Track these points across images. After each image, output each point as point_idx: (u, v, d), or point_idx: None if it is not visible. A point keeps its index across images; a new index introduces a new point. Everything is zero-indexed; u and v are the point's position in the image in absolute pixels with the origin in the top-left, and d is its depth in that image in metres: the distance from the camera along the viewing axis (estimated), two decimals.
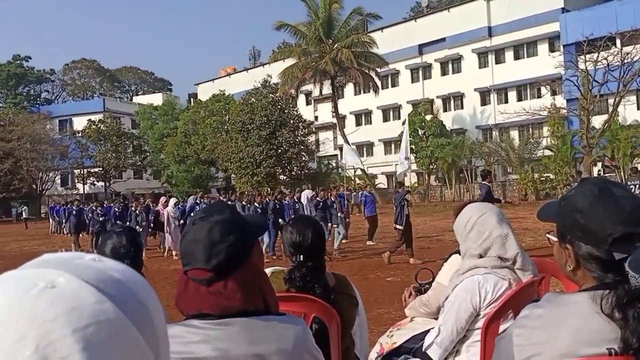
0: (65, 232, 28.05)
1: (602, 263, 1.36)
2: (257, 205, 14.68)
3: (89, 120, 51.46)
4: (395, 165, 14.29)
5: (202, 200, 18.28)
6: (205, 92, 59.44)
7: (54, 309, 0.56)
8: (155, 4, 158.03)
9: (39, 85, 76.41)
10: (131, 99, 77.45)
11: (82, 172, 52.37)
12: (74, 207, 19.38)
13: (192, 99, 65.59)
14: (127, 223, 18.82)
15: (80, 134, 51.78)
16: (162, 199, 17.97)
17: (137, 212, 16.70)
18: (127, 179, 55.11)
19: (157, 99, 64.84)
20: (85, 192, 51.87)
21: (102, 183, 51.84)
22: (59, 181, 55.14)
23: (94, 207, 18.37)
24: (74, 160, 52.21)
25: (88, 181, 52.51)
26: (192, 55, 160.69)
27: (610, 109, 28.40)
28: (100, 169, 51.08)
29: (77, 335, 0.54)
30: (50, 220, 30.98)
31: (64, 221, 29.04)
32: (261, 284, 1.44)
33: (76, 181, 54.40)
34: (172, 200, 17.19)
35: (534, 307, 1.42)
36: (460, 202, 4.16)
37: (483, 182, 12.43)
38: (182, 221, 15.56)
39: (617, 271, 1.31)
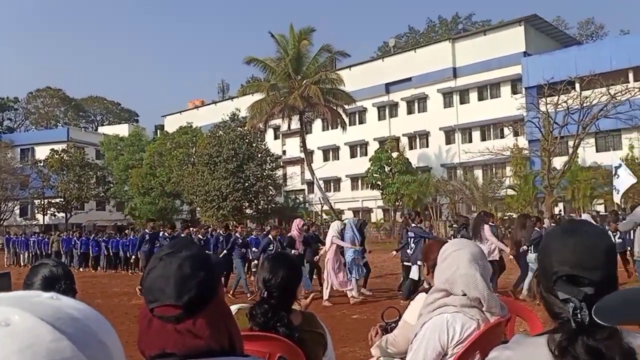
0: (22, 264, 27.16)
1: (555, 301, 1.38)
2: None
3: (52, 149, 50.47)
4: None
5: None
6: (172, 124, 59.16)
7: (8, 347, 0.53)
8: (123, 34, 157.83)
9: (1, 113, 74.95)
10: (96, 129, 76.60)
11: (42, 202, 51.11)
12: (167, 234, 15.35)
13: (158, 131, 65.15)
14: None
15: (42, 164, 50.70)
16: (298, 221, 13.73)
17: (271, 238, 13.00)
18: (89, 210, 53.98)
19: (123, 129, 64.26)
20: (45, 222, 50.53)
21: (62, 214, 50.62)
22: (17, 211, 53.63)
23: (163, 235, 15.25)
24: (35, 190, 50.96)
25: (48, 212, 51.22)
26: (159, 87, 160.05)
27: (570, 151, 29.21)
28: (62, 199, 49.91)
29: None
30: (6, 252, 29.85)
31: (21, 253, 28.25)
32: (228, 322, 1.40)
33: (36, 212, 53.05)
34: (336, 224, 12.55)
35: (503, 349, 1.42)
36: (428, 242, 4.18)
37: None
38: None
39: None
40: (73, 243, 25.43)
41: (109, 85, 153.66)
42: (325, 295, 11.63)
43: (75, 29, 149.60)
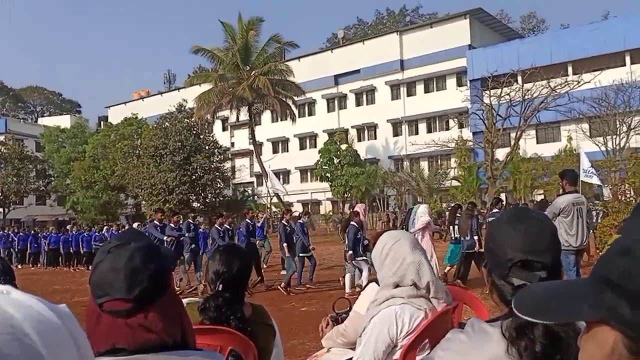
0: None
1: (508, 288, 1.41)
2: None
3: None
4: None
5: None
6: (116, 115, 57.66)
7: None
8: (64, 21, 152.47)
9: None
10: (36, 121, 73.84)
11: None
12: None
13: (102, 122, 63.37)
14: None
15: None
16: (363, 206, 12.76)
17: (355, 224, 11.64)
18: (28, 205, 52.07)
19: (64, 121, 62.27)
20: None
21: (0, 209, 48.60)
22: None
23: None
24: None
25: None
26: (103, 77, 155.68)
27: (512, 143, 30.00)
28: None
29: None
30: None
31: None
32: (180, 315, 1.37)
33: None
34: (426, 208, 11.53)
35: (458, 332, 1.45)
36: (376, 232, 4.20)
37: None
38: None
39: None
40: (10, 239, 24.47)
41: (50, 74, 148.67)
42: None
43: (14, 15, 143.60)
